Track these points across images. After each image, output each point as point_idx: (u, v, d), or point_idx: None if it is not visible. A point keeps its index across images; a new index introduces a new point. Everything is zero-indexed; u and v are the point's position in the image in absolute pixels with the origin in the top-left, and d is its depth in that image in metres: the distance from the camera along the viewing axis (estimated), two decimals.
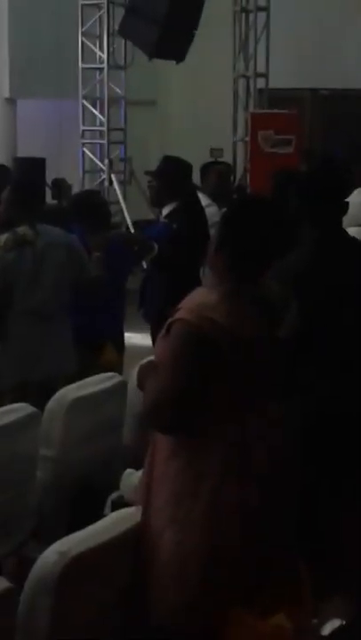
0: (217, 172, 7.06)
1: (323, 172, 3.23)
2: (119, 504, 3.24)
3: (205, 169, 7.00)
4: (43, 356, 4.67)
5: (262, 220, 2.78)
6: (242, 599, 2.59)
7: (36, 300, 4.64)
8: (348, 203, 3.26)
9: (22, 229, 4.65)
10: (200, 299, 2.70)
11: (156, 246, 5.00)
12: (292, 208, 3.18)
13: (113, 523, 2.72)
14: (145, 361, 3.13)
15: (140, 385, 2.86)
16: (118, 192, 10.43)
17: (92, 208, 5.29)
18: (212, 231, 4.18)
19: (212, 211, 5.90)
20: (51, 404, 3.80)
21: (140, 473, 3.18)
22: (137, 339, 6.20)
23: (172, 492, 2.68)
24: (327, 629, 2.06)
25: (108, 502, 3.44)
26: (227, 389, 2.66)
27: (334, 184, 3.17)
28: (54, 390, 4.35)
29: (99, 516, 2.91)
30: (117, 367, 5.06)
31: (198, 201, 5.64)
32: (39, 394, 4.37)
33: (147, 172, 5.57)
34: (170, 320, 2.69)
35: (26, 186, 4.91)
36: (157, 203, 5.50)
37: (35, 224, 4.67)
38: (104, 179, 11.01)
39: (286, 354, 2.81)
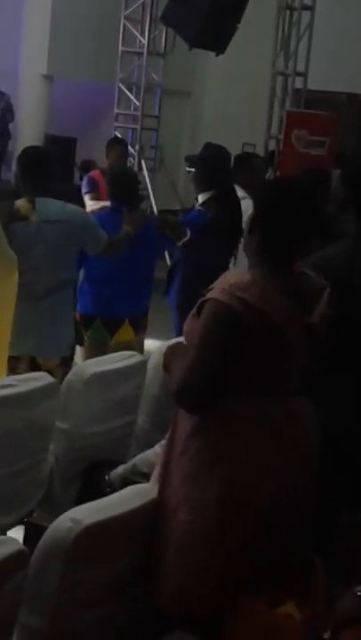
0: (257, 166, 6.95)
1: None
2: (130, 482, 3.22)
3: (244, 161, 6.86)
4: (30, 333, 4.52)
5: (295, 202, 2.74)
6: (252, 587, 2.56)
7: (23, 278, 4.36)
8: None
9: (19, 203, 4.48)
10: (233, 279, 2.66)
11: (188, 232, 4.97)
12: (337, 199, 3.11)
13: (128, 496, 2.70)
14: (172, 342, 3.09)
15: (166, 366, 2.82)
16: (147, 178, 10.42)
17: (125, 184, 5.29)
18: None
19: (247, 203, 5.85)
20: (70, 376, 3.77)
21: (154, 449, 3.17)
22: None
23: (190, 471, 2.65)
24: None
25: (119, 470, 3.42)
26: (253, 372, 2.63)
27: None
28: (45, 368, 4.33)
29: (106, 492, 2.89)
30: (137, 348, 5.03)
31: (234, 191, 5.60)
32: (30, 369, 4.34)
33: (187, 158, 5.53)
34: (201, 299, 2.66)
35: (30, 159, 4.63)
36: (195, 189, 5.46)
37: (34, 199, 4.48)
38: (133, 164, 11.00)
39: (317, 345, 2.75)
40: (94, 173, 7.92)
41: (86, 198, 7.15)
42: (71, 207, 4.63)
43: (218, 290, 2.61)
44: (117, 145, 8.14)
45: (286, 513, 2.68)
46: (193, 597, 2.62)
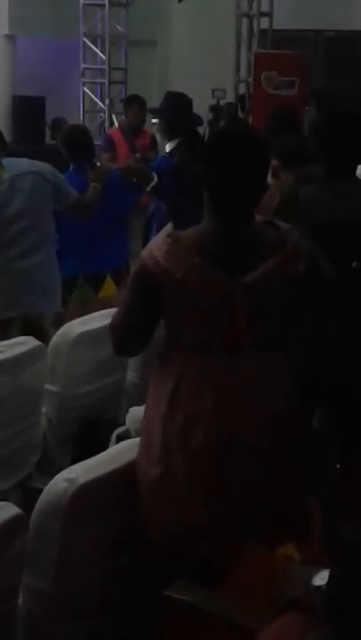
0: None
1: (344, 111, 3.12)
2: (124, 438, 3.23)
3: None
4: (23, 292, 4.57)
5: (246, 152, 2.59)
6: (251, 531, 2.57)
7: (8, 234, 4.51)
8: None
9: None
10: (162, 237, 2.64)
11: (154, 175, 4.97)
12: (310, 147, 3.07)
13: (120, 452, 2.72)
14: None
15: None
16: None
17: (80, 141, 5.32)
18: None
19: None
20: (56, 338, 3.78)
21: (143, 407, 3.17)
22: None
23: (147, 419, 2.72)
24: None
25: (113, 437, 3.43)
26: (183, 329, 2.63)
27: (355, 124, 3.06)
28: (38, 328, 4.35)
29: (102, 450, 2.90)
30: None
31: (199, 136, 5.57)
32: (23, 331, 4.34)
33: (150, 110, 5.50)
34: None
35: None
36: (161, 139, 5.45)
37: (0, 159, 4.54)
38: (104, 119, 10.89)
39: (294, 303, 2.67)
40: (112, 131, 7.82)
41: (103, 160, 7.10)
42: (36, 161, 4.71)
43: (146, 248, 2.67)
44: (135, 103, 8.19)
45: (265, 461, 2.65)
46: (182, 544, 2.59)
